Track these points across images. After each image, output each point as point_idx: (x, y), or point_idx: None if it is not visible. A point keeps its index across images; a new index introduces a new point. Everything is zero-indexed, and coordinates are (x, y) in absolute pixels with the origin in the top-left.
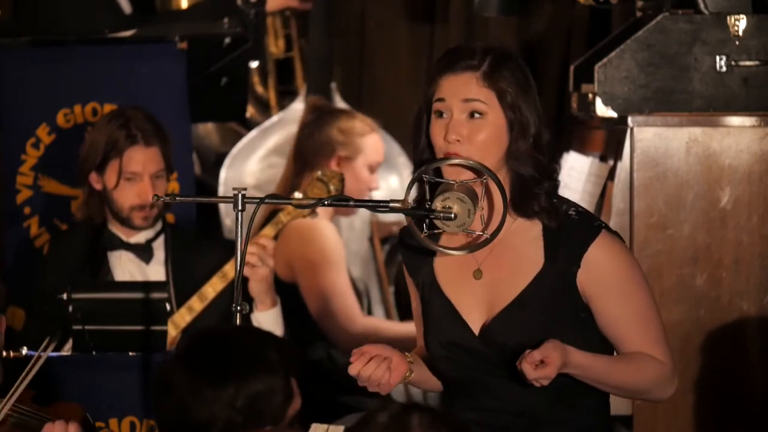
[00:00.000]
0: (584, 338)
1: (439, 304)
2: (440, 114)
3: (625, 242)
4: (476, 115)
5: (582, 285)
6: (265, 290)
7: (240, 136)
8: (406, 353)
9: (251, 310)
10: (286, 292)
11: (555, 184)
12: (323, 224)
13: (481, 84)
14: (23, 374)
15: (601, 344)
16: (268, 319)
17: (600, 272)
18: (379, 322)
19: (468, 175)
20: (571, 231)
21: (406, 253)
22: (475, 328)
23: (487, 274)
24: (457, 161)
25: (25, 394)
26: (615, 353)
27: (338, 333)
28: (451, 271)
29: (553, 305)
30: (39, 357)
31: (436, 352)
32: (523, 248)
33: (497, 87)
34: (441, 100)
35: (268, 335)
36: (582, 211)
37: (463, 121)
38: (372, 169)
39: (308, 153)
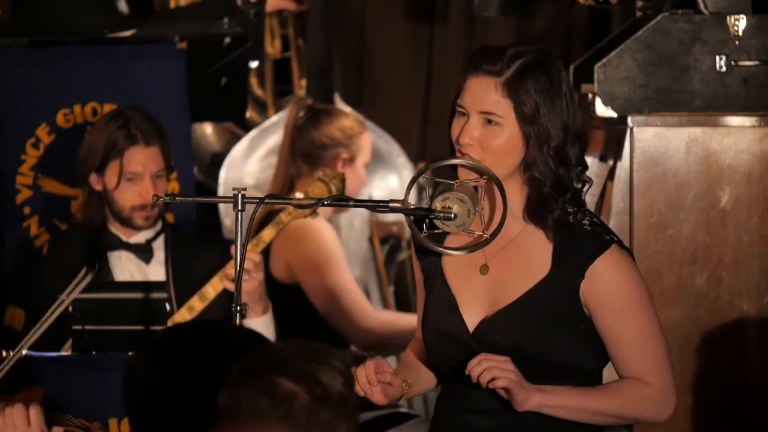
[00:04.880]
0: (579, 349)
1: (439, 293)
2: (461, 112)
3: (634, 259)
4: (492, 122)
5: (584, 297)
6: (254, 300)
7: (237, 137)
8: (405, 381)
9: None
10: (285, 293)
11: (577, 198)
12: (319, 223)
13: (500, 93)
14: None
15: (598, 358)
16: (259, 325)
17: (603, 287)
18: (392, 315)
19: (476, 176)
20: (581, 241)
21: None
22: (471, 324)
23: (494, 271)
24: (457, 162)
25: (37, 393)
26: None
27: (353, 330)
28: (458, 262)
29: (554, 312)
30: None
31: (430, 341)
32: (533, 251)
33: (516, 98)
34: (461, 101)
35: (238, 341)
36: (596, 223)
37: (478, 125)
38: (366, 166)
39: (308, 153)
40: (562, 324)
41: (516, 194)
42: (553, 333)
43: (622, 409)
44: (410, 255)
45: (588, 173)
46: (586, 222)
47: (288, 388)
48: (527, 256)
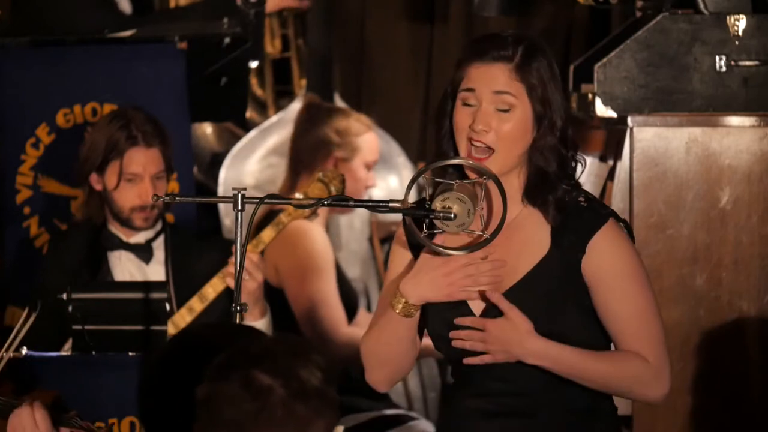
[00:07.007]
0: (586, 326)
1: None
2: (468, 104)
3: (632, 233)
4: (505, 107)
5: (585, 272)
6: (253, 302)
7: (236, 137)
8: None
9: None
10: (275, 297)
11: (571, 176)
12: (313, 228)
13: (513, 77)
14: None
15: (606, 334)
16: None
17: (602, 261)
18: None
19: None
20: (578, 217)
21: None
22: (477, 309)
23: (494, 256)
24: (457, 161)
25: (5, 388)
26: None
27: (321, 342)
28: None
29: (557, 290)
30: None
31: (437, 332)
32: (532, 232)
33: (528, 81)
34: (470, 89)
35: (219, 340)
36: (591, 198)
37: (492, 111)
38: (368, 167)
39: (303, 153)
40: (567, 302)
41: (514, 178)
42: (558, 311)
43: (615, 377)
44: (392, 247)
45: (588, 173)
46: (581, 199)
47: (265, 381)
48: (525, 238)
